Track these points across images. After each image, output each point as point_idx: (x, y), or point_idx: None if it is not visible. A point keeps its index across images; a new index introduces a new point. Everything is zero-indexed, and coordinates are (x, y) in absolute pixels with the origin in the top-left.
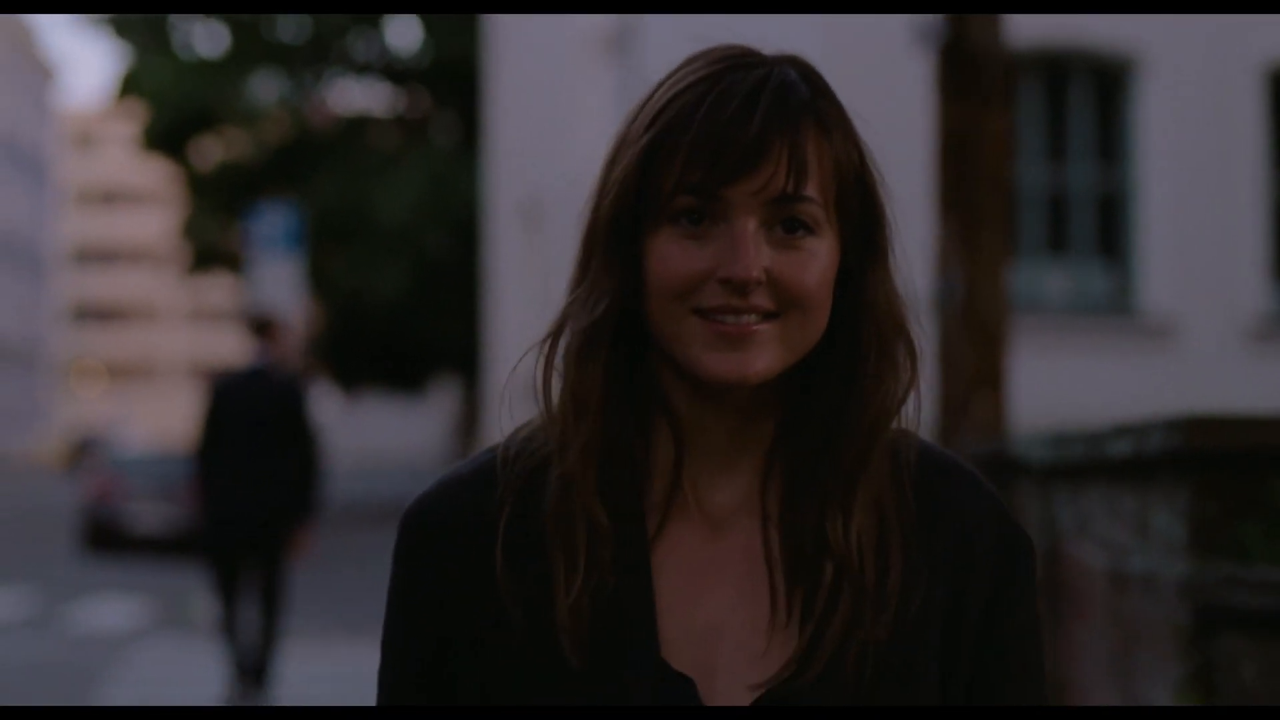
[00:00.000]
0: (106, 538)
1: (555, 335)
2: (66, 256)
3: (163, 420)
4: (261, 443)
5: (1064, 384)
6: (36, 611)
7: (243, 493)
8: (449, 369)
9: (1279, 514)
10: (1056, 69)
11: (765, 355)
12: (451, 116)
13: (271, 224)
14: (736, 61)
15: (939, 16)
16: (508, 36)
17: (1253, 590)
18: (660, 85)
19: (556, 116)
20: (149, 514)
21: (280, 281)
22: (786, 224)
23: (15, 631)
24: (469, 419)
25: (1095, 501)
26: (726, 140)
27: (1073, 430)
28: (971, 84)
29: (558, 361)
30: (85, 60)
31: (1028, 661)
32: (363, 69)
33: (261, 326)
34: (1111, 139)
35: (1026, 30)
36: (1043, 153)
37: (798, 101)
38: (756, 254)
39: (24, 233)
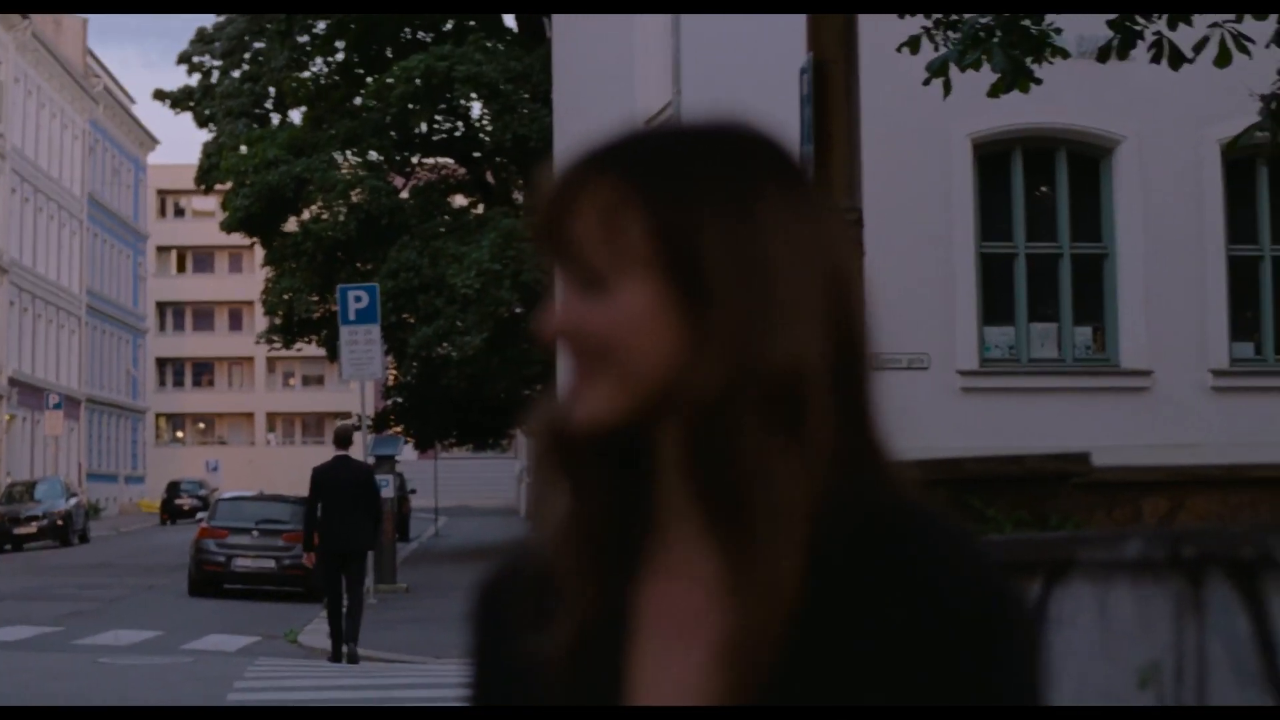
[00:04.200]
0: (213, 579)
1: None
2: (163, 317)
3: (254, 474)
4: (348, 502)
5: (1054, 425)
6: (157, 642)
7: (338, 529)
8: (526, 422)
9: (965, 515)
10: (1042, 150)
11: (597, 403)
12: (523, 187)
13: (357, 300)
14: (589, 146)
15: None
16: (573, 116)
17: None
18: None
19: None
20: (250, 557)
21: (364, 354)
22: (583, 277)
23: (140, 655)
24: None
25: None
26: (536, 214)
27: None
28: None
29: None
30: (181, 125)
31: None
32: (439, 145)
33: (344, 439)
34: (1092, 214)
35: (1016, 116)
36: (1030, 226)
37: (591, 161)
38: (556, 310)
39: (122, 295)
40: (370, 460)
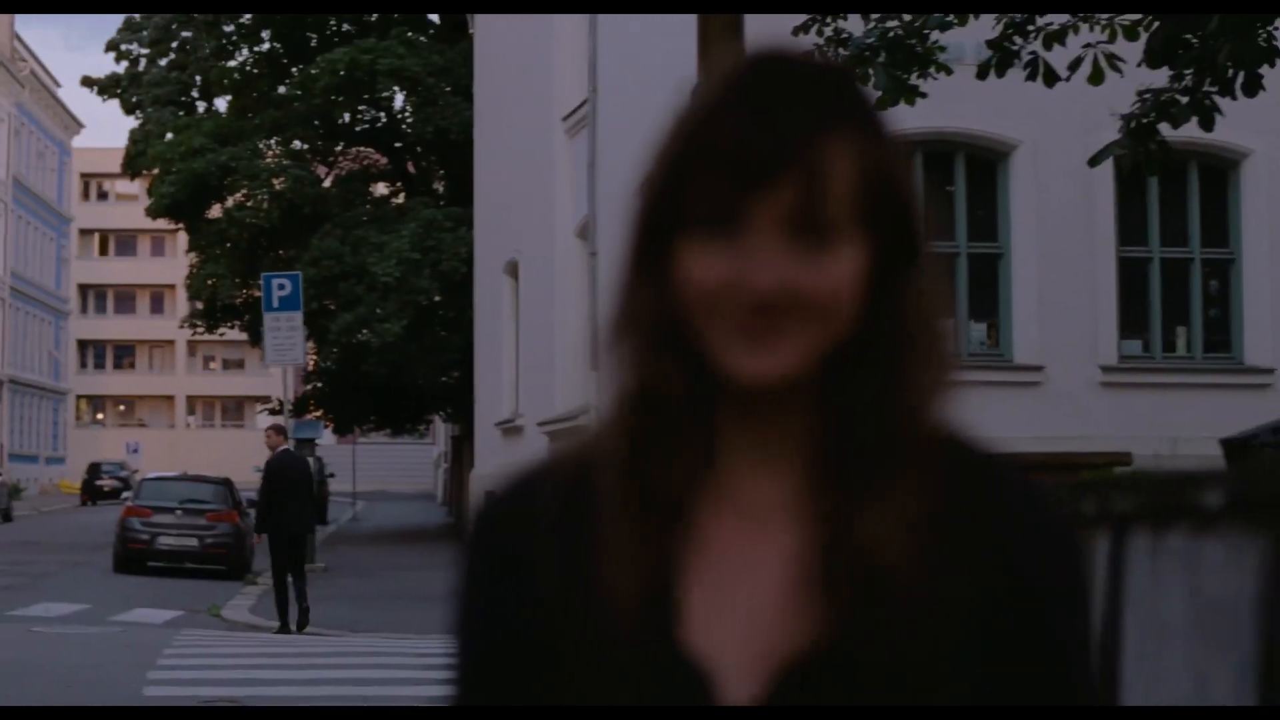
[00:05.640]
0: (137, 556)
1: (605, 338)
2: (85, 299)
3: (174, 457)
4: (299, 490)
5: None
6: (87, 614)
7: (292, 515)
8: (443, 408)
9: None
10: (941, 153)
11: (789, 356)
12: (443, 177)
13: (280, 288)
14: (767, 66)
15: None
16: (492, 111)
17: None
18: (696, 92)
19: (534, 183)
20: (174, 536)
21: (287, 340)
22: (808, 232)
23: (71, 625)
24: (459, 453)
25: None
26: (745, 150)
27: None
28: None
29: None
30: (106, 109)
31: (1076, 663)
32: (362, 135)
33: (282, 431)
34: (989, 214)
35: (915, 120)
36: (929, 226)
37: (821, 108)
38: (775, 264)
39: (45, 277)
40: (291, 444)
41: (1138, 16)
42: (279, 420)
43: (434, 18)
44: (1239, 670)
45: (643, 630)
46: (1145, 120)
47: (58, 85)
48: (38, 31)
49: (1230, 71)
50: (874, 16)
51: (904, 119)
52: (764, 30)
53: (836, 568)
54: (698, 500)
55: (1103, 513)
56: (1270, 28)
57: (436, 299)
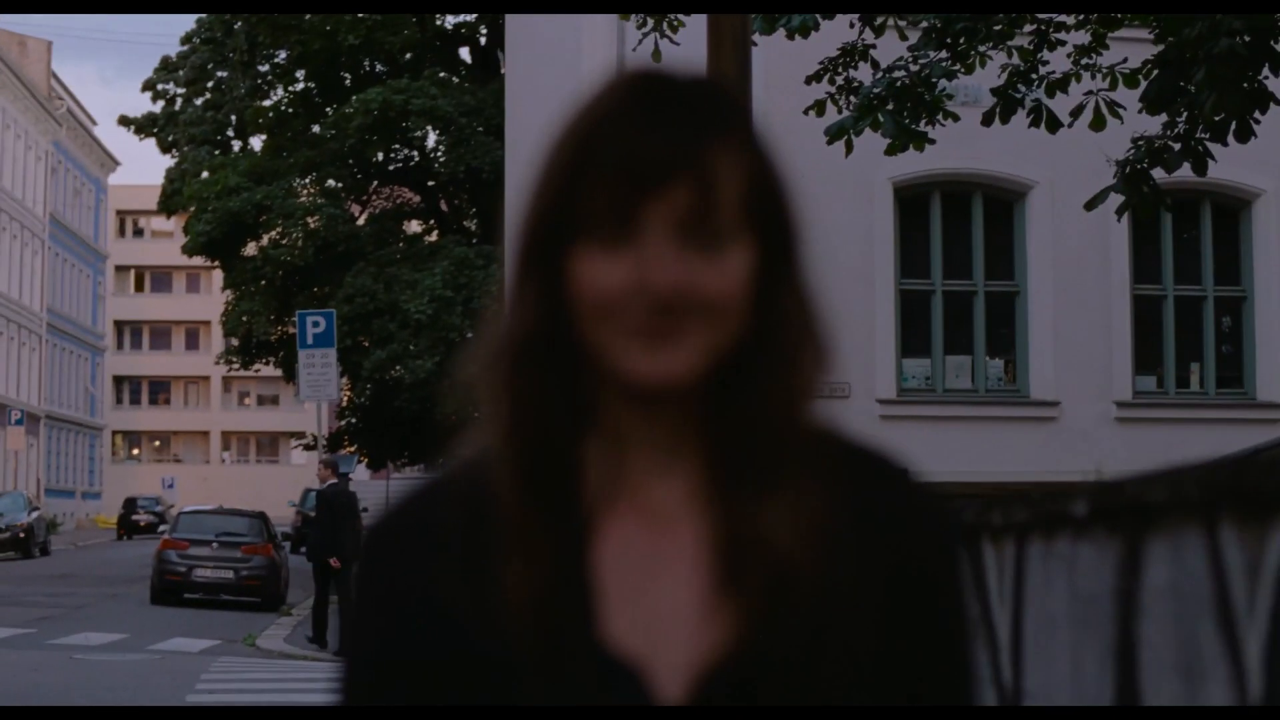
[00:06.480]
0: (173, 588)
1: (489, 352)
2: (121, 335)
3: (208, 492)
4: (341, 517)
5: (966, 452)
6: (125, 643)
7: (352, 540)
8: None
9: None
10: (959, 193)
11: (688, 356)
12: (474, 216)
13: (314, 325)
14: (652, 79)
15: None
16: (524, 149)
17: None
18: (580, 104)
19: None
20: (209, 568)
21: (321, 376)
22: (701, 234)
23: (110, 653)
24: None
25: None
26: (637, 155)
27: None
28: None
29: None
30: (141, 146)
31: (961, 649)
32: (395, 173)
33: (333, 465)
34: (1006, 253)
35: (935, 161)
36: (947, 265)
37: (708, 116)
38: (672, 265)
39: (81, 313)
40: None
41: (1137, 65)
42: (333, 454)
43: (465, 57)
44: (1101, 654)
45: (563, 636)
46: (1139, 166)
47: (94, 123)
48: (71, 68)
49: (1221, 117)
50: (882, 67)
51: (922, 160)
52: (775, 73)
53: (744, 563)
54: (605, 504)
55: (1007, 523)
56: (1260, 77)
57: (468, 335)
